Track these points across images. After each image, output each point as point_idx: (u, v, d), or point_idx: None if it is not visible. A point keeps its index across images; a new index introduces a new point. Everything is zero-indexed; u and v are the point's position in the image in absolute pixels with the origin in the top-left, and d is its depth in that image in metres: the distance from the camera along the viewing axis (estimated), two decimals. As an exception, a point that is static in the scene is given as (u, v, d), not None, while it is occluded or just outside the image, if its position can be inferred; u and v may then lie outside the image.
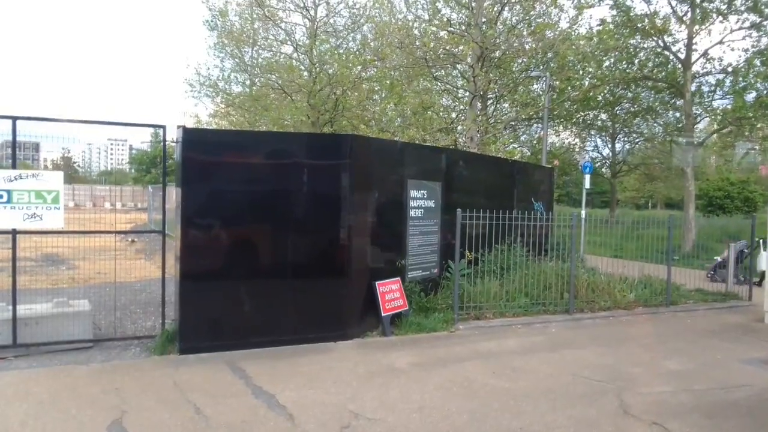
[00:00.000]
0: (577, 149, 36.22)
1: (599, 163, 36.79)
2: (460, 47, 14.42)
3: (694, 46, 20.26)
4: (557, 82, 21.34)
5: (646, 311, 10.33)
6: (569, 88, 21.65)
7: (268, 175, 7.53)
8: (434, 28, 15.24)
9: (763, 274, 13.01)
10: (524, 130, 33.15)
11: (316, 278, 7.79)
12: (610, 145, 33.98)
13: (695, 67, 21.00)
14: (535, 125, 30.72)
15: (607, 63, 22.65)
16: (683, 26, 19.85)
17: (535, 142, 31.94)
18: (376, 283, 8.28)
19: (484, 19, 15.36)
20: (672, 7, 20.12)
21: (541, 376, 6.69)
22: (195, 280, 7.10)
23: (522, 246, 11.19)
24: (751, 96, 19.48)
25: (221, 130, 7.34)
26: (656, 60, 22.34)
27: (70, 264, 14.73)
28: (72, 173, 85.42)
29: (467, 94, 17.30)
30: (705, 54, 20.65)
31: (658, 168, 32.75)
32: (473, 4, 15.13)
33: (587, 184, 14.93)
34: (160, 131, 7.32)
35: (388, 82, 17.54)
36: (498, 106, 27.25)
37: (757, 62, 19.45)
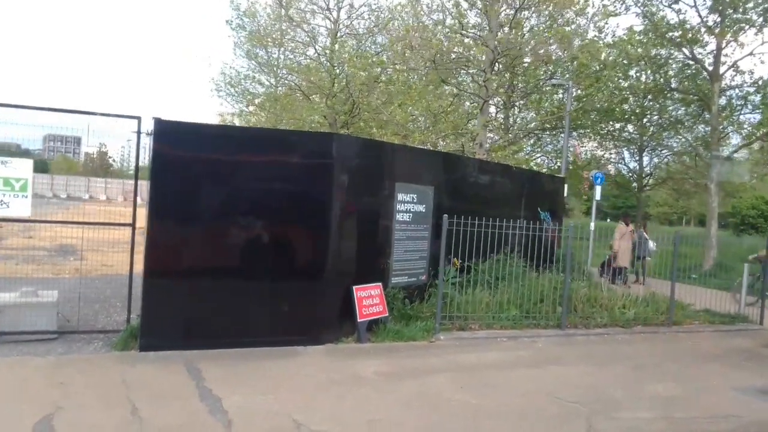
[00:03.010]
0: (603, 161, 35.24)
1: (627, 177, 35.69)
2: (472, 50, 14.07)
3: (723, 58, 19.47)
4: (579, 91, 20.80)
5: (645, 330, 9.79)
6: (594, 97, 21.10)
7: (244, 171, 7.29)
8: (447, 30, 14.90)
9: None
10: (550, 140, 32.42)
11: (290, 280, 7.52)
12: (637, 158, 32.95)
13: (724, 80, 20.19)
14: (561, 136, 29.96)
15: (632, 72, 22.01)
16: (712, 37, 19.09)
17: (560, 152, 31.11)
18: (354, 287, 7.97)
19: (501, 22, 14.97)
20: (701, 18, 19.38)
21: (514, 394, 6.30)
22: (160, 276, 6.89)
23: (521, 256, 10.76)
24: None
25: (198, 124, 7.12)
26: (685, 72, 21.58)
27: (80, 255, 14.79)
28: (107, 167, 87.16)
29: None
30: (734, 66, 19.70)
31: (688, 183, 31.58)
32: (487, 7, 14.76)
33: (598, 196, 14.38)
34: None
35: (400, 84, 17.21)
36: (521, 114, 26.77)
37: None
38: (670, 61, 21.59)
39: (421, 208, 9.30)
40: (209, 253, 7.19)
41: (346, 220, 7.96)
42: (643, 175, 33.69)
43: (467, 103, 20.96)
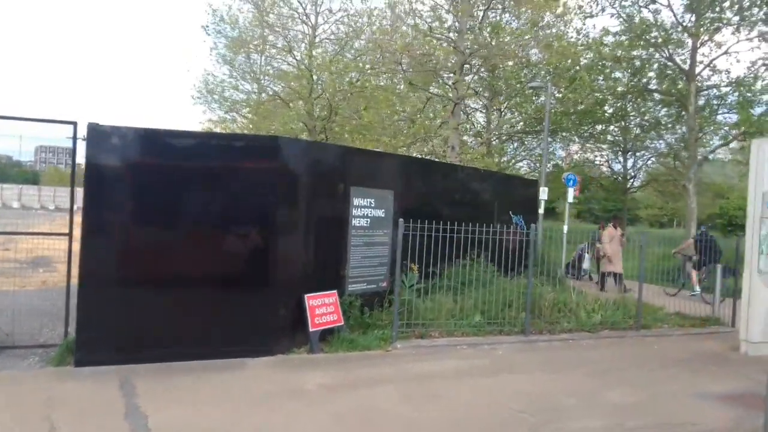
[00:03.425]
0: (590, 165, 35.10)
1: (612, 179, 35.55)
2: (437, 52, 13.90)
3: (699, 58, 19.40)
4: (558, 93, 20.65)
5: (612, 335, 9.56)
6: (570, 98, 20.96)
7: (185, 176, 7.05)
8: (418, 33, 14.74)
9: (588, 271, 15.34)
10: (537, 144, 32.20)
11: (238, 289, 7.25)
12: (621, 161, 32.87)
13: (701, 80, 20.11)
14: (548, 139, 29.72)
15: (611, 73, 21.90)
16: (686, 35, 19.02)
17: (552, 157, 30.81)
18: (306, 295, 7.72)
19: (469, 25, 14.81)
20: (676, 18, 19.31)
21: (460, 405, 6.05)
22: (96, 287, 6.62)
23: (490, 261, 10.51)
24: (759, 110, 18.51)
25: (134, 128, 6.85)
26: (665, 73, 21.48)
27: (53, 267, 14.47)
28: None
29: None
30: (710, 65, 19.61)
31: (671, 185, 31.48)
32: (456, 8, 14.61)
33: (570, 198, 14.21)
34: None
35: (372, 89, 17.02)
36: (504, 117, 26.62)
37: (767, 74, 18.50)
38: (651, 62, 21.50)
39: (380, 212, 9.07)
40: (149, 262, 6.91)
41: (296, 227, 7.72)
42: (628, 177, 33.63)
43: (438, 106, 20.85)
